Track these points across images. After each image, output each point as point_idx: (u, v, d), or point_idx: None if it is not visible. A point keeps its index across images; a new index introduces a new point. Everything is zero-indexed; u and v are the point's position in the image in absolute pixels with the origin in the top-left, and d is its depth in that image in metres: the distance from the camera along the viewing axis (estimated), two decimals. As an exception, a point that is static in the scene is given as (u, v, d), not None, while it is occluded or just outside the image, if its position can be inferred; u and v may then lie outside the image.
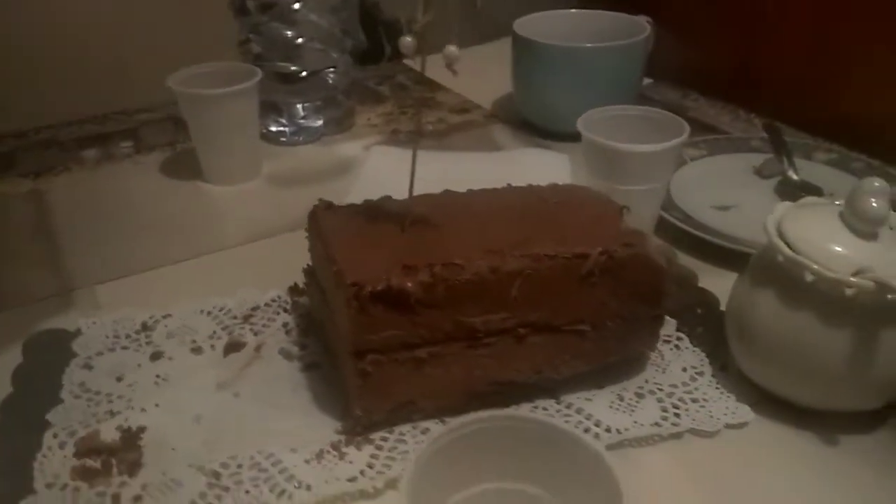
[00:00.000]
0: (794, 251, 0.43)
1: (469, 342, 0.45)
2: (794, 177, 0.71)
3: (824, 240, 0.43)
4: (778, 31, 0.93)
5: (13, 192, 0.75)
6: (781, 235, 0.45)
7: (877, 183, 0.43)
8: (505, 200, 0.51)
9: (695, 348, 0.52)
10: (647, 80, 0.99)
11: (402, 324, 0.43)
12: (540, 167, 0.75)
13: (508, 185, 0.54)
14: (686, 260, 0.62)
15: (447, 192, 0.52)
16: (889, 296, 0.41)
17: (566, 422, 0.46)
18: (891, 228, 0.45)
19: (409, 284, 0.42)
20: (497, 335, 0.45)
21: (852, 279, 0.41)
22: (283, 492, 0.41)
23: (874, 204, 0.42)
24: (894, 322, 0.42)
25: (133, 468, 0.43)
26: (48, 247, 0.65)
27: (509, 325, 0.45)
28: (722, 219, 0.66)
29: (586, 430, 0.45)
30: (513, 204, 0.51)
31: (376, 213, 0.49)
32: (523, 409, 0.46)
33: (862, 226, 0.43)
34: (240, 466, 0.43)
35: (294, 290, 0.57)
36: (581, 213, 0.50)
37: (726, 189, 0.71)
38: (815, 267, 0.42)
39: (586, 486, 0.30)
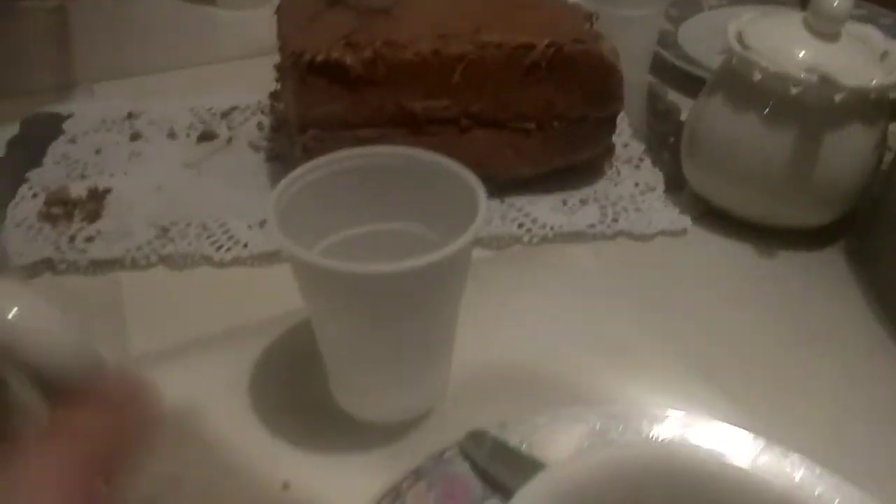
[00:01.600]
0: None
1: (412, 128, 0.46)
2: (813, 27, 0.67)
3: (781, 40, 0.42)
4: None
5: (43, 6, 0.79)
6: (742, 41, 0.43)
7: (842, -20, 0.40)
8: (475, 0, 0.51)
9: (655, 169, 0.51)
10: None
11: (343, 99, 0.44)
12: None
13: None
14: (677, 97, 0.61)
15: (417, -9, 0.52)
16: (836, 96, 0.39)
17: (502, 217, 0.47)
18: (863, 43, 0.43)
19: (349, 58, 0.43)
20: (440, 124, 0.46)
21: (797, 75, 0.39)
22: (220, 247, 0.44)
23: (835, 2, 0.40)
24: (840, 126, 0.41)
25: (92, 216, 0.46)
26: (60, 49, 0.69)
27: (452, 114, 0.45)
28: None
29: (520, 226, 0.46)
30: (482, 2, 0.50)
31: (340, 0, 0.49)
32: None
33: (821, 25, 0.41)
34: (188, 225, 0.46)
35: (274, 94, 0.59)
36: (546, 13, 0.49)
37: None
38: (763, 63, 0.40)
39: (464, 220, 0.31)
